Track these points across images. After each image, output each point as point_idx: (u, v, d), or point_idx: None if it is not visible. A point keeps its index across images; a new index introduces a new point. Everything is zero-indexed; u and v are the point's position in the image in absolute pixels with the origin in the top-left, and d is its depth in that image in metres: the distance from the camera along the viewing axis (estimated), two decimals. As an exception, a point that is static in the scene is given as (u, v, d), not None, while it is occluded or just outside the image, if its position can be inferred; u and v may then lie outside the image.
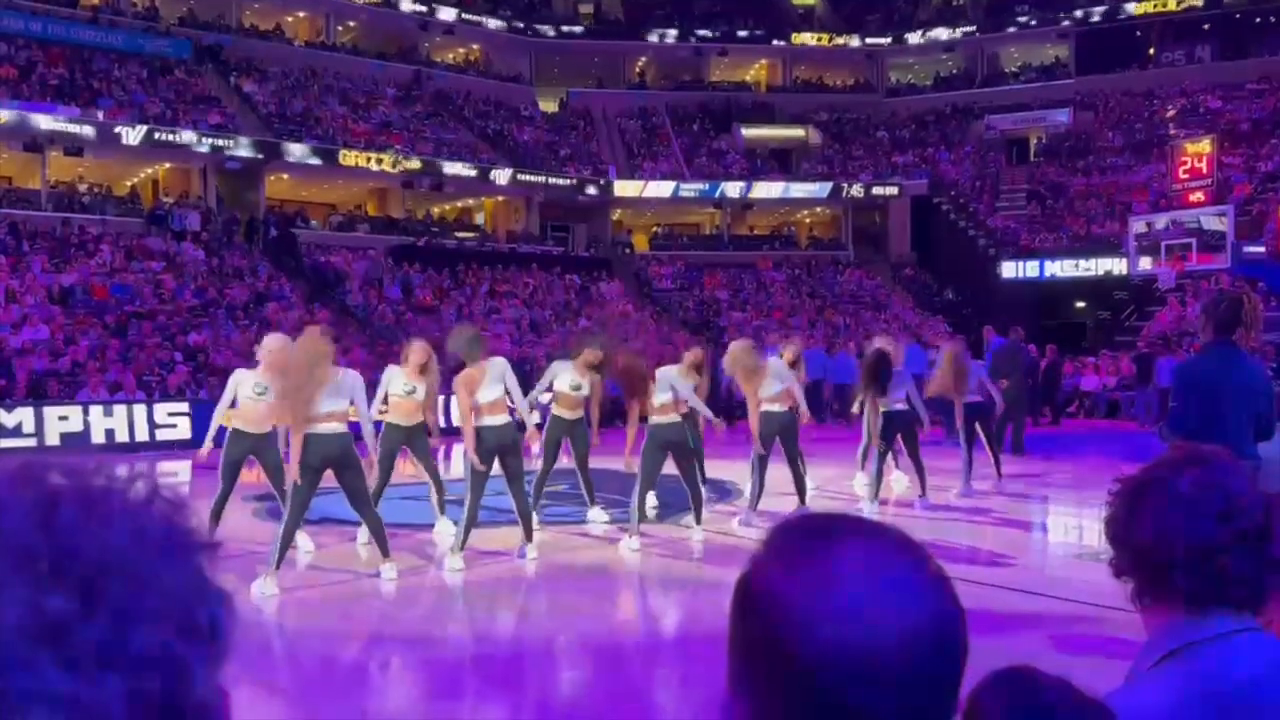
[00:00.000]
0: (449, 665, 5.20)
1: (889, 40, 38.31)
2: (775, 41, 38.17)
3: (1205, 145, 26.71)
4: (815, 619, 0.68)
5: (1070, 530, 9.18)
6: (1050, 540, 8.79)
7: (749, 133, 35.86)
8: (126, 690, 0.51)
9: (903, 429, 9.12)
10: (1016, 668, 1.12)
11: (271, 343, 6.78)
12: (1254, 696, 1.27)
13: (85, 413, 14.39)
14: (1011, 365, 13.22)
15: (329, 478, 6.33)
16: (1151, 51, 35.33)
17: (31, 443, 13.51)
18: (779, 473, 8.66)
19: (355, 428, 6.40)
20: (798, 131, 36.47)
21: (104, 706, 0.50)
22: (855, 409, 10.70)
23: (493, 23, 35.36)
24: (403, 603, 6.28)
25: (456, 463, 11.07)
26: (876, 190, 33.26)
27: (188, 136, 24.93)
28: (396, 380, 7.70)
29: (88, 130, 23.43)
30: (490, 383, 6.82)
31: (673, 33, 37.31)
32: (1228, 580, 1.30)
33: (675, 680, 5.01)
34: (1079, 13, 35.45)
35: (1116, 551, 1.40)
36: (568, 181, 31.34)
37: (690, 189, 32.78)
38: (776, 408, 8.35)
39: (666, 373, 7.71)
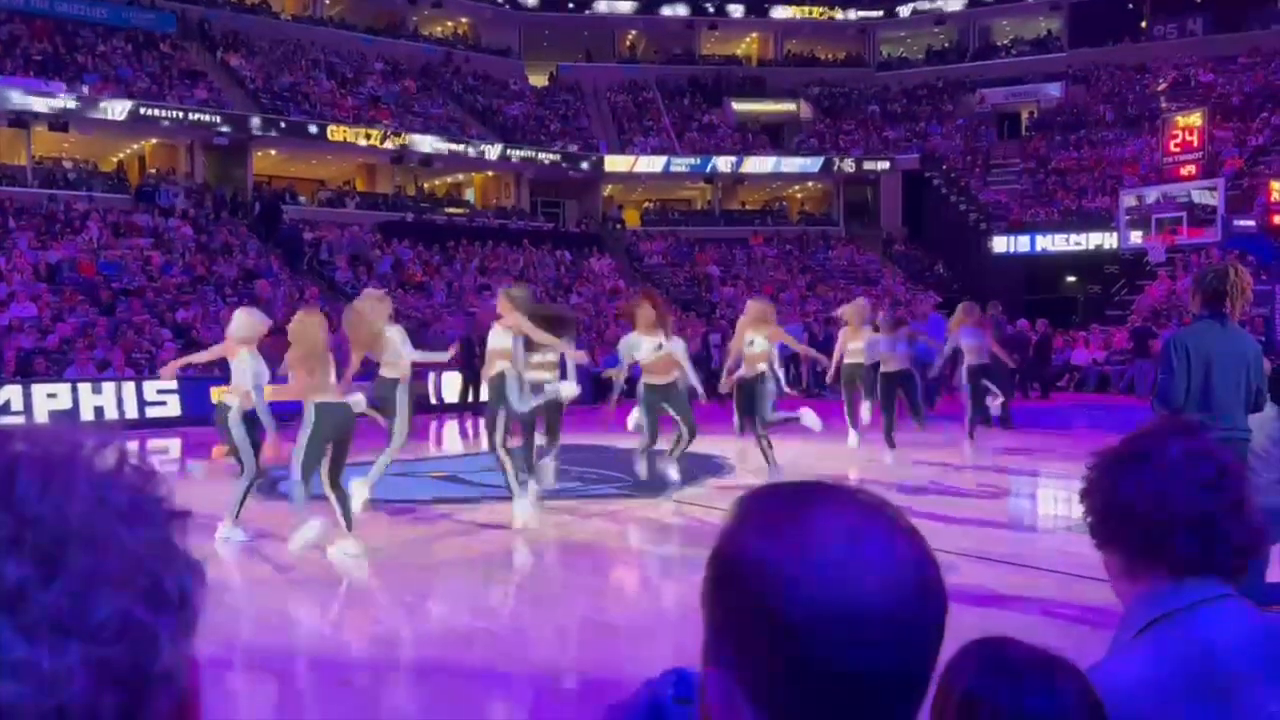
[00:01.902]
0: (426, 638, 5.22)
1: (880, 13, 38.10)
2: (766, 14, 37.93)
3: (1196, 119, 26.65)
4: (798, 582, 0.67)
5: (1058, 502, 9.23)
6: (1039, 512, 8.84)
7: (740, 107, 35.70)
8: (89, 658, 0.50)
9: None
10: (989, 636, 1.14)
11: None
12: (1233, 663, 1.28)
13: (74, 390, 14.33)
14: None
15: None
16: (1144, 24, 35.21)
17: (20, 421, 13.45)
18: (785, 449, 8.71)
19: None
20: (789, 106, 36.33)
21: (66, 675, 0.49)
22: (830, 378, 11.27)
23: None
24: (389, 576, 6.29)
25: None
26: (868, 165, 33.20)
27: (174, 112, 24.71)
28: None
29: (72, 105, 23.20)
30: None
31: (663, 5, 37.02)
32: (1227, 545, 1.32)
33: (656, 650, 5.03)
34: (1071, -15, 35.31)
35: (1101, 521, 1.39)
36: (558, 157, 31.19)
37: (681, 164, 32.65)
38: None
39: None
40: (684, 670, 0.87)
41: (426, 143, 28.32)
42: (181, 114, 24.81)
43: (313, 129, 26.76)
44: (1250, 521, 1.33)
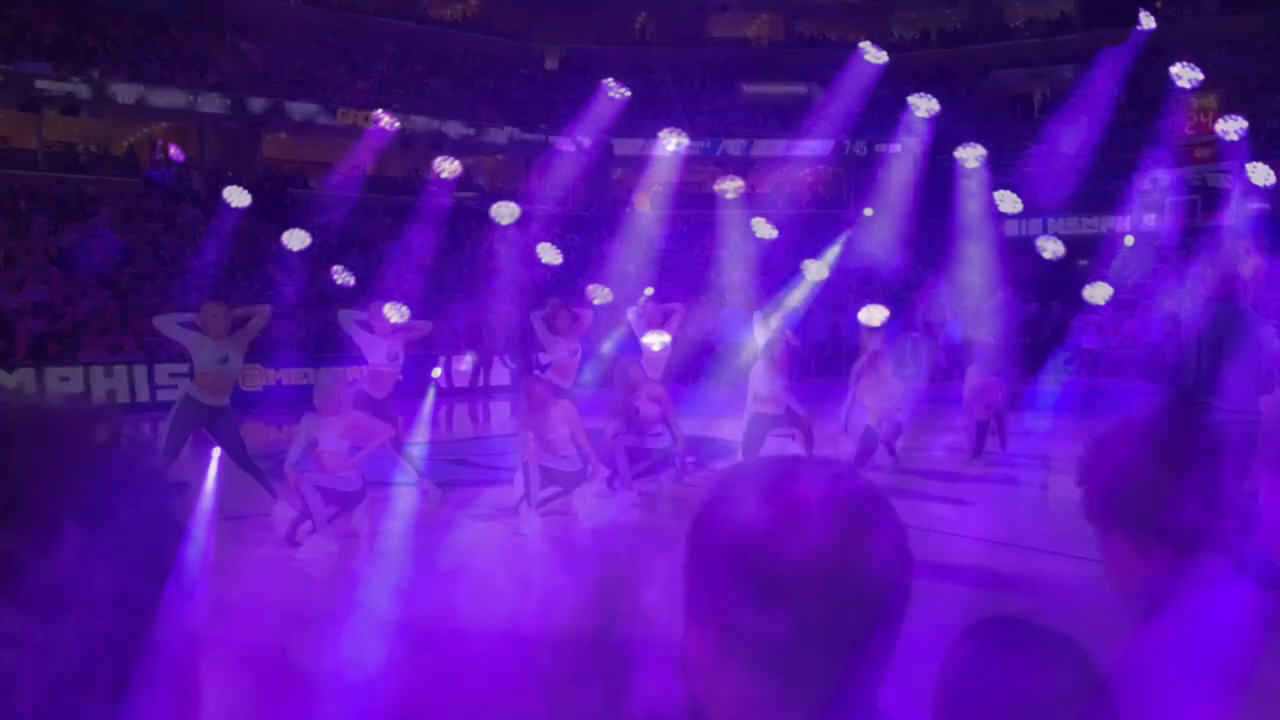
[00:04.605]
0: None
1: (893, -6, 37.80)
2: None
3: (1211, 101, 26.42)
4: (782, 546, 0.74)
5: (1070, 486, 9.20)
6: (1049, 497, 8.81)
7: (751, 89, 35.48)
8: (84, 629, 0.49)
9: None
10: (991, 617, 1.14)
11: None
12: (1236, 640, 1.29)
13: (86, 374, 14.41)
14: (995, 323, 13.31)
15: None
16: (1158, 5, 34.82)
17: (33, 403, 13.52)
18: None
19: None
20: (800, 88, 36.09)
21: (61, 646, 0.49)
22: None
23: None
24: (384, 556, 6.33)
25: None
26: (879, 147, 32.99)
27: (184, 95, 24.71)
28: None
29: (83, 89, 23.22)
30: None
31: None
32: (1234, 511, 1.36)
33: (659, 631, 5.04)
34: (1085, -34, 34.95)
35: (1107, 502, 1.40)
36: (567, 140, 31.04)
37: (692, 147, 32.46)
38: None
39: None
40: None
41: (435, 126, 28.25)
42: (192, 97, 24.80)
43: (322, 113, 26.71)
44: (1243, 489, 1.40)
